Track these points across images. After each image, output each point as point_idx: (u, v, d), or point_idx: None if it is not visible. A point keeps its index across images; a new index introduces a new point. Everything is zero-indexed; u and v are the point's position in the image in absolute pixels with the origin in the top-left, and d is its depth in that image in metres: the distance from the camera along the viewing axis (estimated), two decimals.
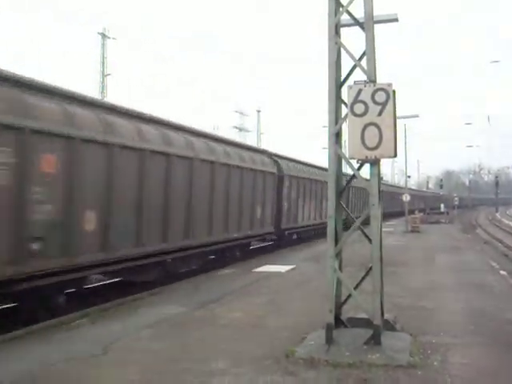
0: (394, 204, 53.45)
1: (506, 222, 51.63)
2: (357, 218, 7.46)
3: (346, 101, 7.04)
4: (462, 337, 7.63)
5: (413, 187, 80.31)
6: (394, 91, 6.86)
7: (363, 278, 7.39)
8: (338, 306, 7.28)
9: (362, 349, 6.58)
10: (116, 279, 13.24)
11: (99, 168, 10.21)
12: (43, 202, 8.73)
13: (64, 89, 10.21)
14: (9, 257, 8.14)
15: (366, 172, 7.30)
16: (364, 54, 7.03)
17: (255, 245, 22.26)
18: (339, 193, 7.35)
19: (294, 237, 24.68)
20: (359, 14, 7.16)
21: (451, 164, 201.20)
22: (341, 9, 7.23)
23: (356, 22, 7.26)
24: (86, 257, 9.86)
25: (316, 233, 26.94)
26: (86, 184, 9.75)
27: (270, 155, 21.52)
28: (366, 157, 6.87)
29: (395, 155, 6.91)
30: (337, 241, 7.12)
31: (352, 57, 7.14)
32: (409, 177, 42.31)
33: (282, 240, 22.45)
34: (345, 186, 7.68)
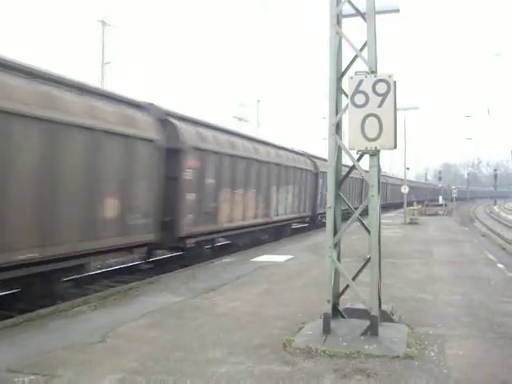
0: (393, 196, 53.52)
1: (504, 215, 51.76)
2: (355, 209, 7.46)
3: (347, 91, 7.02)
4: (459, 328, 7.67)
5: (412, 179, 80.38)
6: (394, 82, 6.84)
7: (361, 269, 7.42)
8: (336, 296, 7.30)
9: (359, 339, 6.61)
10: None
11: None
12: None
13: None
14: None
15: (365, 164, 7.31)
16: (365, 44, 7.01)
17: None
18: (338, 184, 7.35)
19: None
20: (361, 5, 7.15)
21: (450, 157, 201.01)
22: None
23: (357, 12, 7.22)
24: None
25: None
26: None
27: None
28: (366, 148, 6.87)
29: (395, 146, 6.90)
30: (335, 231, 7.13)
31: (353, 47, 7.12)
32: (408, 169, 42.17)
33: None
34: (344, 177, 7.68)
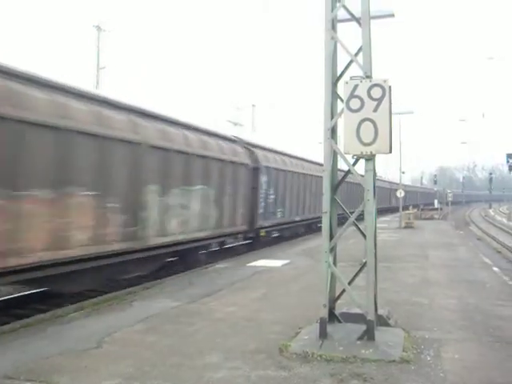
0: (389, 200, 53.60)
1: (499, 218, 51.92)
2: (351, 213, 7.47)
3: (342, 96, 7.05)
4: (454, 332, 7.68)
5: (408, 183, 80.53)
6: (389, 87, 6.86)
7: (357, 273, 7.42)
8: (332, 300, 7.31)
9: (355, 344, 6.61)
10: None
11: None
12: None
13: None
14: None
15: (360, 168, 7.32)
16: (360, 49, 7.04)
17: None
18: (334, 188, 7.37)
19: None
20: (356, 10, 7.18)
21: (446, 160, 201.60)
22: (338, 4, 7.23)
23: (352, 17, 7.26)
24: None
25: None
26: None
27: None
28: (362, 152, 6.88)
29: (390, 151, 6.92)
30: (331, 236, 7.15)
31: (348, 51, 7.15)
32: (403, 173, 42.28)
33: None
34: (339, 182, 7.69)
